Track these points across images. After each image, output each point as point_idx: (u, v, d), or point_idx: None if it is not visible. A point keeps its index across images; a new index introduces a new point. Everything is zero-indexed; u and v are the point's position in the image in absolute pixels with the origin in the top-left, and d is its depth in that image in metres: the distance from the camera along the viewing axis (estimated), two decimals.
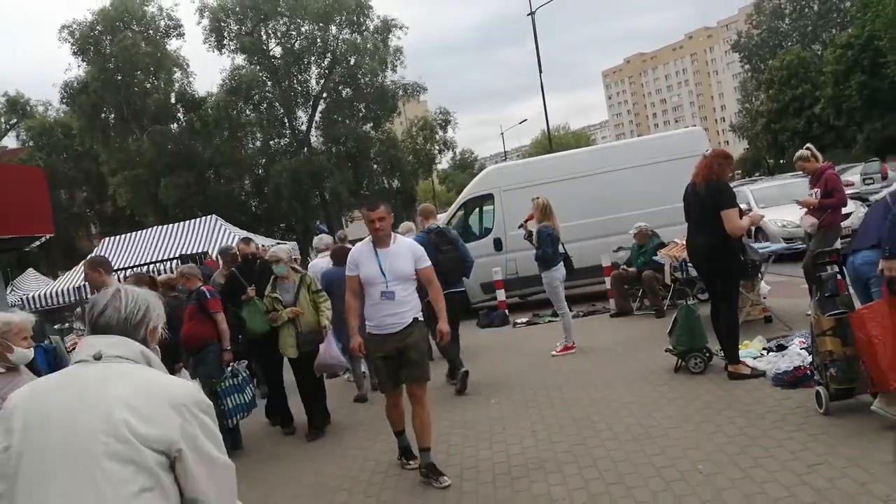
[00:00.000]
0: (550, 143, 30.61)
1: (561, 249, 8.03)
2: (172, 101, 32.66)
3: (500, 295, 11.56)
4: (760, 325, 7.61)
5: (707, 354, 6.25)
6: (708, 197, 5.77)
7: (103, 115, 31.18)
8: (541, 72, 24.19)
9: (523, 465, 4.73)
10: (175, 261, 14.87)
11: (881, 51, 38.25)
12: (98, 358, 1.86)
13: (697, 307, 6.56)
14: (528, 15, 24.48)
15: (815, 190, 7.47)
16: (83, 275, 7.42)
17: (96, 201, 38.50)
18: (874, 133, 42.29)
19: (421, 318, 4.91)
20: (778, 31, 63.21)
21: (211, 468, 1.83)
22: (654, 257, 9.56)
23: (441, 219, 15.49)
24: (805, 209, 7.64)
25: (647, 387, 6.10)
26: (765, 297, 7.98)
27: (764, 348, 6.38)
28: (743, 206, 7.39)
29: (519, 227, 9.42)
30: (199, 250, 16.63)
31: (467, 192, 13.05)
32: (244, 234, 20.16)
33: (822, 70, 47.09)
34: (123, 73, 28.53)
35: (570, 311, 8.52)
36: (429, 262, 4.93)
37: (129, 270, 14.23)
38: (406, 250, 4.87)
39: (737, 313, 6.14)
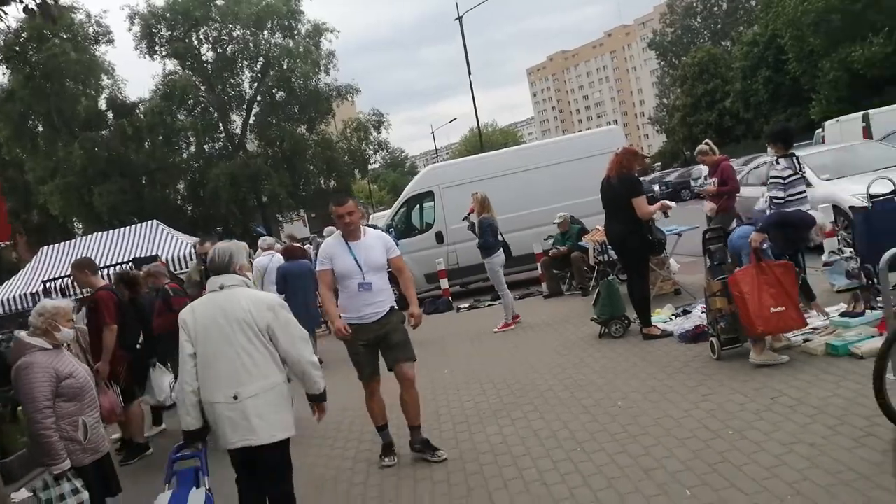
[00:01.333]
0: (482, 142, 31.82)
1: (500, 238, 9.08)
2: (103, 107, 32.25)
3: (444, 283, 12.54)
4: (670, 297, 8.84)
5: (626, 321, 7.37)
6: (621, 188, 6.88)
7: (30, 123, 30.58)
8: (469, 73, 25.30)
9: (476, 415, 5.70)
10: (128, 264, 15.19)
11: (783, 48, 41.12)
12: (222, 287, 3.67)
13: (616, 282, 7.67)
14: (456, 20, 25.52)
15: (713, 179, 8.70)
16: (72, 277, 7.42)
17: (22, 210, 37.55)
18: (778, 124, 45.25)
19: (396, 307, 5.02)
20: (690, 28, 66.51)
21: (288, 336, 3.62)
22: (580, 242, 10.71)
23: (386, 215, 16.46)
24: (706, 197, 8.87)
25: (577, 350, 7.20)
26: (674, 273, 9.23)
27: (672, 314, 7.59)
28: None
29: (463, 220, 10.39)
30: (145, 254, 16.93)
31: (409, 190, 14.01)
32: (186, 237, 20.52)
33: (731, 66, 50.08)
34: (52, 80, 28.17)
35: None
36: (398, 252, 5.11)
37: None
38: (377, 241, 4.99)
39: (648, 285, 7.30)
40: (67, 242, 19.79)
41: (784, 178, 6.60)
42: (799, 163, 6.75)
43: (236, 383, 3.51)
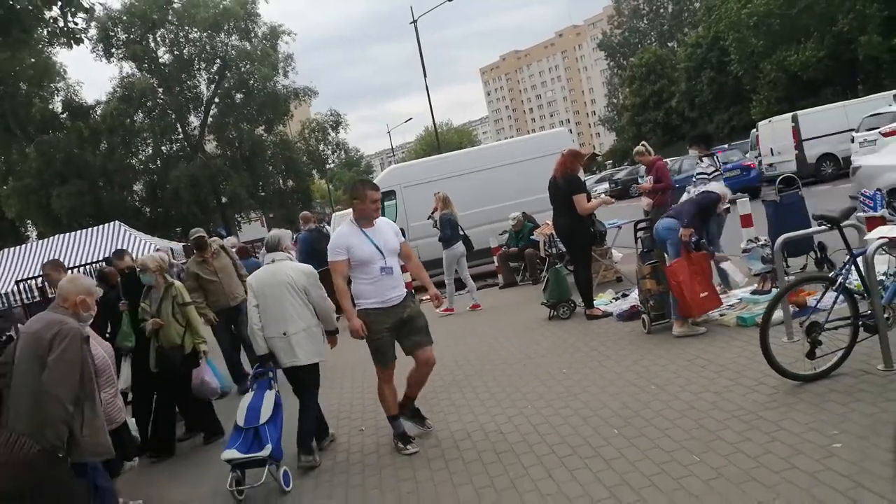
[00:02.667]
0: (438, 142, 32.71)
1: (461, 232, 9.99)
2: (59, 110, 32.07)
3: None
4: (613, 283, 9.82)
5: (572, 304, 8.28)
6: (565, 186, 7.78)
7: None
8: (425, 76, 26.05)
9: (442, 384, 6.51)
10: (98, 264, 15.53)
11: (726, 50, 42.98)
12: (273, 261, 5.28)
13: (563, 270, 8.57)
14: (411, 23, 26.26)
15: (650, 177, 9.68)
16: (46, 276, 7.13)
17: None
18: (722, 123, 47.24)
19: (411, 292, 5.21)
20: (638, 30, 68.40)
21: (316, 294, 5.19)
22: (532, 237, 11.62)
23: (347, 214, 17.13)
24: (643, 193, 9.85)
25: (529, 330, 8.09)
26: (616, 262, 10.19)
27: (613, 298, 8.53)
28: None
29: (428, 218, 11.19)
30: (107, 256, 17.24)
31: None
32: (149, 238, 20.85)
33: (677, 67, 51.96)
34: (5, 83, 27.99)
35: (464, 286, 10.52)
36: (403, 238, 5.26)
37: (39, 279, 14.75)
38: (388, 227, 5.14)
39: (590, 271, 8.23)
40: (29, 245, 19.95)
41: (709, 175, 7.67)
42: (719, 161, 7.79)
43: (284, 325, 5.07)
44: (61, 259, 17.72)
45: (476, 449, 4.73)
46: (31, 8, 5.42)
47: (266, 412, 4.94)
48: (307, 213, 13.03)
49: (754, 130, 22.96)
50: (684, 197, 7.77)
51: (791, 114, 20.75)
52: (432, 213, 10.83)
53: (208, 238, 8.00)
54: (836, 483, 3.25)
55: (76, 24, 5.83)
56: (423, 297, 12.62)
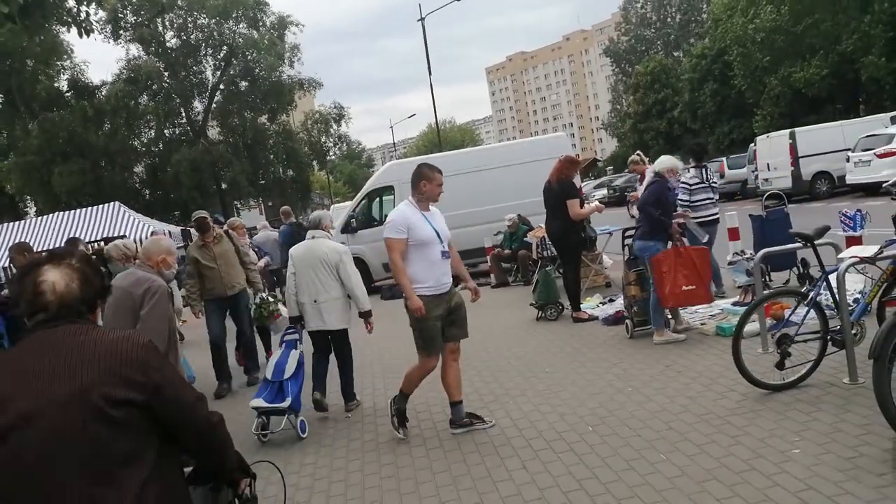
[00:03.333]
0: (440, 140, 32.87)
1: None
2: (64, 88, 32.20)
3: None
4: (602, 289, 10.04)
5: (559, 307, 8.49)
6: (559, 191, 7.98)
7: None
8: (430, 74, 26.25)
9: (427, 378, 6.69)
10: (97, 243, 15.70)
11: (730, 63, 43.19)
12: (313, 237, 5.99)
13: (553, 272, 8.78)
14: (419, 21, 26.42)
15: (642, 186, 9.89)
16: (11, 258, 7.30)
17: None
18: (722, 135, 47.48)
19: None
20: (644, 38, 68.59)
21: (346, 272, 5.85)
22: (525, 239, 11.83)
23: (347, 207, 17.40)
24: (634, 202, 10.06)
25: (516, 330, 8.30)
26: (606, 268, 10.40)
27: (600, 302, 8.73)
28: None
29: None
30: (105, 235, 17.42)
31: (370, 184, 14.95)
32: (148, 220, 20.99)
33: (681, 77, 52.15)
34: (12, 59, 28.09)
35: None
36: None
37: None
38: (440, 215, 5.14)
39: (579, 275, 8.44)
40: (28, 221, 20.06)
41: (690, 185, 7.91)
42: (706, 174, 8.02)
43: (315, 294, 5.83)
44: (60, 236, 18.02)
45: (456, 440, 4.93)
46: (55, 1, 5.64)
47: (290, 369, 5.66)
48: (287, 207, 13.16)
49: (752, 145, 23.20)
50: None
51: (789, 130, 20.97)
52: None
53: (211, 220, 7.65)
54: (790, 485, 3.46)
55: (88, 13, 6.02)
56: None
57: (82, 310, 1.98)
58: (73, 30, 6.61)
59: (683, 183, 7.64)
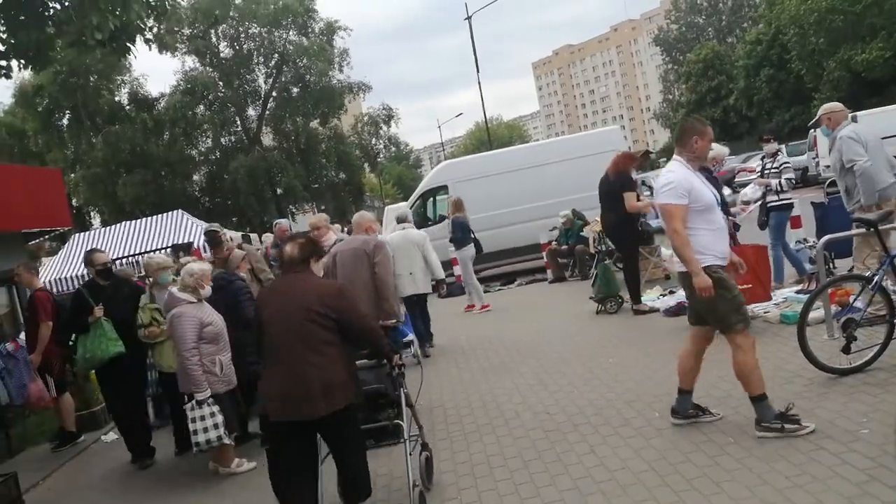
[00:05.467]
0: (490, 138, 33.02)
1: (472, 235, 10.55)
2: (125, 102, 33.56)
3: (457, 270, 13.71)
4: (661, 281, 10.04)
5: (620, 300, 8.57)
6: (616, 183, 8.08)
7: (56, 116, 31.96)
8: (478, 71, 26.39)
9: (492, 369, 6.91)
10: (165, 250, 16.37)
11: (787, 46, 42.12)
12: (403, 228, 8.51)
13: (612, 266, 8.86)
14: (466, 19, 26.63)
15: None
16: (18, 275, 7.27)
17: None
18: (782, 122, 46.33)
19: None
20: (695, 25, 67.27)
21: (429, 252, 8.25)
22: (581, 233, 11.90)
23: (401, 206, 17.74)
24: None
25: (577, 322, 8.43)
26: (665, 260, 10.39)
27: (660, 294, 8.77)
28: None
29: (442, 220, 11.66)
30: (172, 243, 18.09)
31: (425, 184, 15.25)
32: (207, 225, 21.71)
33: (736, 63, 51.03)
34: (78, 75, 29.45)
35: (513, 280, 10.98)
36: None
37: (121, 261, 15.67)
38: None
39: (637, 267, 8.50)
40: (101, 229, 20.99)
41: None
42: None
43: (409, 267, 8.05)
44: (128, 244, 18.81)
45: (525, 427, 5.11)
46: (138, 22, 6.06)
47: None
48: (283, 223, 12.28)
49: (812, 131, 22.62)
50: (750, 191, 8.08)
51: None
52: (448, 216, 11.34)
53: (222, 234, 7.40)
54: (859, 463, 3.54)
55: (165, 30, 6.43)
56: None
57: (301, 265, 3.83)
58: (139, 45, 7.02)
59: (786, 163, 7.87)
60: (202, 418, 4.99)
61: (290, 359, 3.58)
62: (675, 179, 4.23)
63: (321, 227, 7.96)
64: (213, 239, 7.23)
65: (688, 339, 4.72)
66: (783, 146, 8.46)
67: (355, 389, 3.73)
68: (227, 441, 5.14)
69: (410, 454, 4.07)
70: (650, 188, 8.16)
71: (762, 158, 8.43)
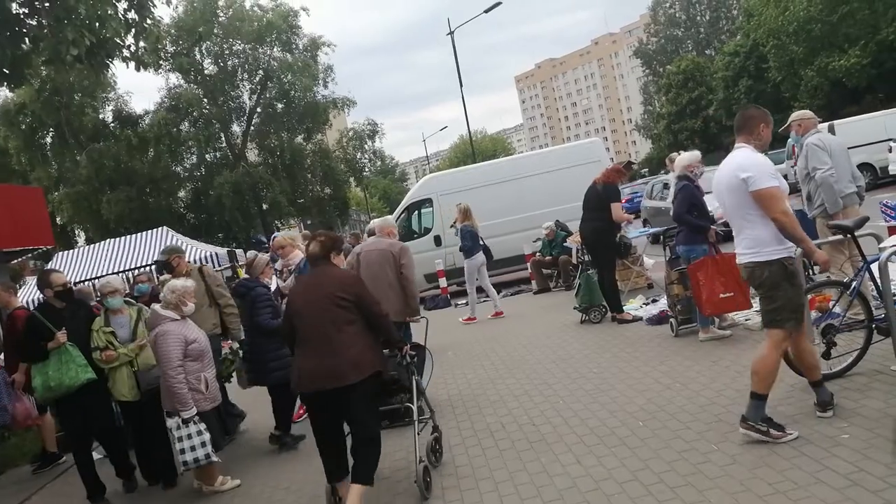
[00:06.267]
0: (473, 151, 33.13)
1: (481, 242, 10.45)
2: (109, 119, 33.41)
3: (442, 283, 13.75)
4: (644, 290, 10.11)
5: (603, 309, 8.60)
6: (604, 193, 8.16)
7: (39, 134, 31.76)
8: (462, 86, 26.49)
9: (478, 381, 6.90)
10: (146, 268, 16.25)
11: (765, 57, 42.67)
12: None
13: (595, 276, 8.90)
14: (448, 35, 26.76)
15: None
16: None
17: None
18: None
19: None
20: (674, 38, 68.10)
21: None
22: (565, 244, 11.97)
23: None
24: None
25: (561, 333, 8.44)
26: (648, 270, 10.47)
27: (643, 303, 8.82)
28: None
29: (451, 227, 11.61)
30: (156, 260, 17.95)
31: (410, 197, 15.28)
32: (195, 242, 21.59)
33: (714, 75, 51.67)
34: (61, 93, 29.31)
35: (499, 292, 10.95)
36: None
37: (93, 281, 15.47)
38: None
39: (615, 277, 8.55)
40: (80, 248, 20.80)
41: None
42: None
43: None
44: (112, 262, 18.66)
45: (510, 438, 5.11)
46: (117, 40, 6.06)
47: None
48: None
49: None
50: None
51: (828, 123, 20.68)
52: (454, 222, 11.26)
53: (181, 257, 6.84)
54: (841, 468, 3.57)
55: (145, 48, 6.44)
56: (459, 303, 13.13)
57: (323, 259, 4.47)
58: (117, 62, 7.02)
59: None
60: (188, 437, 4.94)
61: (322, 338, 4.20)
62: (763, 161, 4.18)
63: (286, 245, 7.49)
64: (166, 266, 6.69)
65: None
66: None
67: (379, 359, 4.38)
68: (214, 459, 5.10)
69: (420, 434, 4.62)
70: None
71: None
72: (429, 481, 4.43)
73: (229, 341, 6.78)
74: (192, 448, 4.94)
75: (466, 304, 13.04)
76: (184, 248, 18.60)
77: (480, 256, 10.54)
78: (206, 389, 5.14)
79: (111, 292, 5.71)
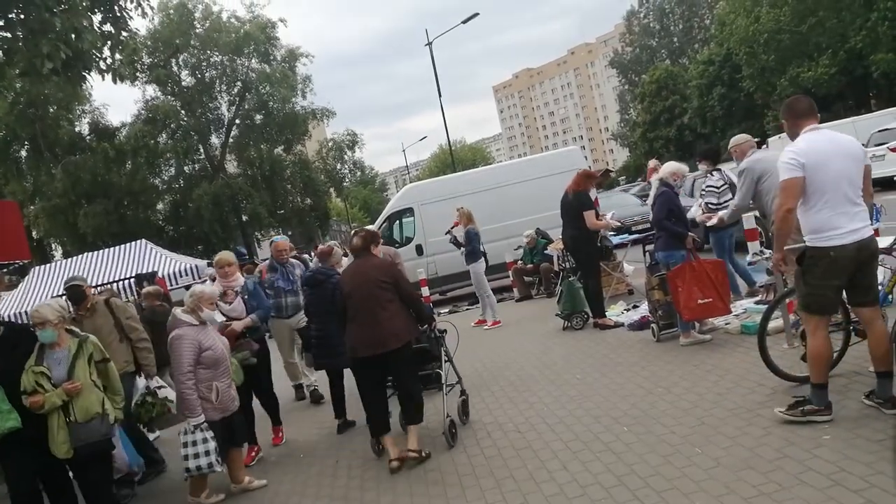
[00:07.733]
0: (453, 161, 33.23)
1: (482, 248, 10.41)
2: (85, 132, 33.06)
3: (425, 291, 13.72)
4: (625, 296, 10.18)
5: (585, 315, 8.65)
6: (575, 202, 8.21)
7: (13, 148, 31.34)
8: (440, 96, 26.58)
9: (476, 384, 6.89)
10: (125, 281, 16.07)
11: (738, 66, 43.34)
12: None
13: (577, 282, 8.96)
14: (426, 45, 26.86)
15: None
16: None
17: None
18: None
19: None
20: (648, 47, 68.95)
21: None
22: (546, 252, 12.03)
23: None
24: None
25: (544, 339, 8.48)
26: (628, 276, 10.56)
27: (624, 309, 8.89)
28: None
29: (446, 234, 11.51)
30: (143, 271, 17.75)
31: (391, 207, 15.27)
32: (174, 256, 21.36)
33: (689, 83, 52.37)
34: (36, 106, 28.96)
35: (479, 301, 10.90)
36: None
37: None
38: None
39: (599, 282, 8.62)
40: (57, 262, 20.51)
41: (718, 188, 8.08)
42: (727, 175, 8.22)
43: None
44: (92, 275, 18.40)
45: (496, 446, 5.12)
46: (94, 52, 6.03)
47: None
48: (279, 240, 11.04)
49: (764, 146, 23.21)
50: (693, 211, 8.15)
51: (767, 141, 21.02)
52: (451, 228, 11.17)
53: (87, 287, 6.32)
54: (823, 469, 3.62)
55: (121, 60, 6.40)
56: (442, 311, 13.14)
57: (364, 251, 5.51)
58: (94, 74, 6.94)
59: (710, 187, 7.87)
60: (194, 444, 4.92)
61: (369, 314, 5.23)
62: (796, 152, 4.18)
63: (232, 263, 6.62)
64: (74, 294, 6.13)
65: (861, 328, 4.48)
66: (722, 166, 8.52)
67: (414, 330, 5.48)
68: (217, 469, 5.06)
69: (447, 395, 5.63)
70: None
71: (695, 180, 8.64)
72: (454, 433, 5.43)
73: (146, 379, 6.02)
74: (196, 455, 4.93)
75: (449, 312, 13.10)
76: (163, 260, 18.65)
77: (483, 261, 10.44)
78: (215, 399, 5.10)
79: (40, 324, 4.63)
